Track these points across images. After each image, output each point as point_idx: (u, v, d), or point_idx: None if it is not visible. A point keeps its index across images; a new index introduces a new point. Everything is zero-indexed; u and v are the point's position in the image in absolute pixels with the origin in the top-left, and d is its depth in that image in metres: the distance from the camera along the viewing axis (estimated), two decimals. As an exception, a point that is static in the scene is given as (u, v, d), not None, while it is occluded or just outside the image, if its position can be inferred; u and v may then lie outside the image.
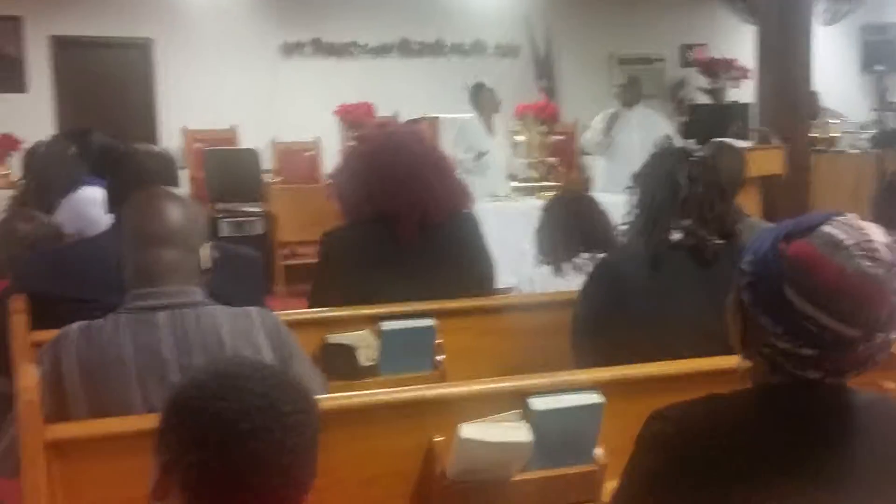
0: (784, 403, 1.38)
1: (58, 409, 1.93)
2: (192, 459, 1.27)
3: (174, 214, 2.06)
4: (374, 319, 2.71)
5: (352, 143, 3.32)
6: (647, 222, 2.49)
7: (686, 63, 11.78)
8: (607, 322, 2.45)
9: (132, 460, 1.79)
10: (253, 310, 2.08)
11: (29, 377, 1.85)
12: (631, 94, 7.69)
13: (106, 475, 1.84)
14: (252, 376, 1.30)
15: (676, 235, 2.46)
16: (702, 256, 2.45)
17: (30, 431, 1.76)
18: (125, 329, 1.96)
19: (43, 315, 2.54)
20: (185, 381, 1.34)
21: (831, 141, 8.65)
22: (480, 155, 7.15)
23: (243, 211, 7.96)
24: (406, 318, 2.72)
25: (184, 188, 3.00)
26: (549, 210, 3.38)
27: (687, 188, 2.47)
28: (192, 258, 2.07)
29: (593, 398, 2.04)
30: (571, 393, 2.04)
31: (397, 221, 2.92)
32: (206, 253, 2.10)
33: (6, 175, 8.74)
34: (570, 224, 3.27)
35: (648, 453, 1.41)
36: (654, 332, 2.37)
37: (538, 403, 1.99)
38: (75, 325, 2.00)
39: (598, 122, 7.81)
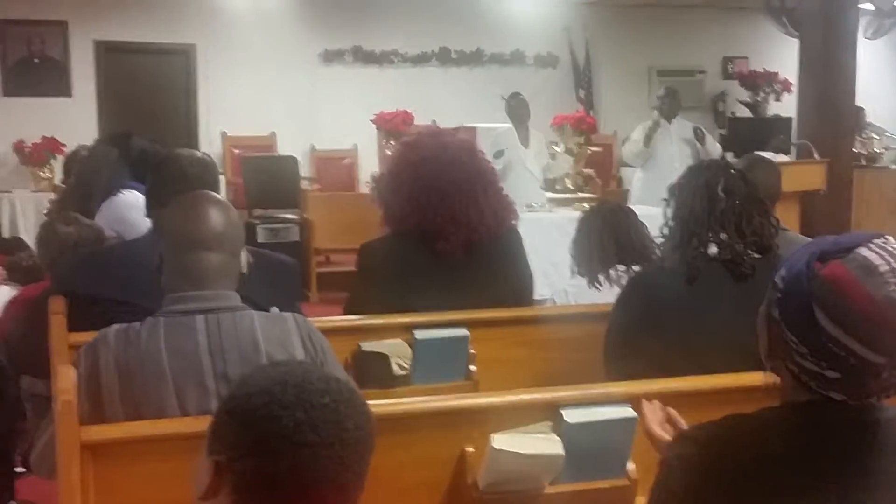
0: (810, 421, 1.36)
1: (94, 410, 1.94)
2: (249, 464, 1.25)
3: (218, 218, 2.07)
4: (408, 328, 2.71)
5: (400, 148, 3.17)
6: (684, 235, 2.47)
7: (727, 75, 11.71)
8: (641, 336, 2.43)
9: (166, 463, 1.81)
10: (288, 315, 2.08)
11: (66, 379, 1.87)
12: (670, 106, 7.65)
13: (140, 477, 1.85)
14: (320, 388, 1.28)
15: (713, 249, 2.44)
16: (739, 271, 2.42)
17: (66, 432, 1.78)
18: (163, 332, 1.97)
19: (81, 317, 2.57)
20: (251, 383, 1.31)
21: (874, 156, 8.55)
22: (499, 153, 7.08)
23: (280, 217, 8.01)
24: (439, 327, 2.72)
25: (222, 194, 3.00)
26: (586, 221, 3.36)
27: (724, 201, 2.45)
28: (234, 263, 2.08)
29: (626, 412, 2.02)
30: (604, 406, 2.03)
31: (441, 238, 2.88)
32: (244, 258, 2.11)
33: (49, 178, 8.88)
34: (607, 236, 3.24)
35: (674, 475, 1.40)
36: (688, 347, 2.35)
37: (570, 415, 1.98)
38: (113, 328, 2.01)
39: (637, 133, 7.78)
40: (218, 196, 2.21)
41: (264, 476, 1.25)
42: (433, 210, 2.87)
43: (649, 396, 2.10)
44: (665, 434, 1.77)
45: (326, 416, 1.26)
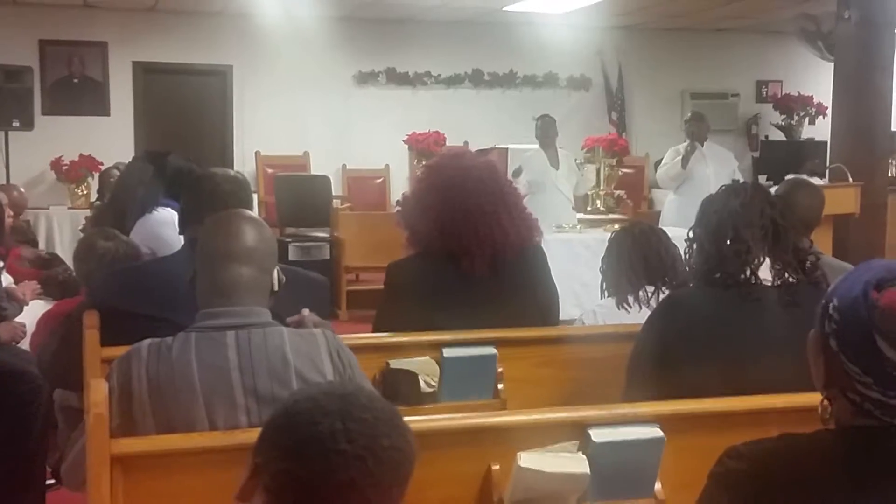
0: (871, 446, 1.33)
1: (125, 423, 1.97)
2: (282, 466, 1.28)
3: (250, 234, 2.10)
4: (437, 346, 2.72)
5: (424, 171, 3.20)
6: (722, 257, 2.39)
7: (761, 99, 11.65)
8: (675, 360, 2.34)
9: (195, 477, 1.83)
10: (318, 332, 2.10)
11: (98, 392, 1.90)
12: (698, 129, 7.63)
13: (169, 491, 1.87)
14: (364, 404, 1.30)
15: (752, 272, 2.39)
16: (778, 295, 2.35)
17: (97, 445, 1.80)
18: (194, 347, 1.99)
19: (114, 331, 2.60)
20: (303, 392, 1.35)
21: (909, 180, 8.47)
22: (517, 171, 7.06)
23: (311, 236, 8.06)
24: (468, 345, 2.72)
25: (255, 212, 3.04)
26: (616, 241, 3.34)
27: (763, 223, 2.38)
28: (265, 279, 2.10)
29: (654, 432, 2.01)
30: (632, 426, 2.02)
31: (467, 256, 2.90)
32: (275, 275, 2.14)
33: (85, 195, 9.00)
34: (636, 256, 3.22)
35: (720, 492, 1.37)
36: (727, 372, 2.27)
37: (597, 435, 1.98)
38: (146, 343, 2.03)
39: (670, 157, 7.74)
40: (252, 214, 2.24)
41: (294, 479, 1.27)
42: (458, 232, 2.89)
43: (678, 417, 2.09)
44: None
45: (364, 430, 1.28)
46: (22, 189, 6.72)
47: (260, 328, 2.02)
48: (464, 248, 2.90)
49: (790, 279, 2.38)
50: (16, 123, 8.85)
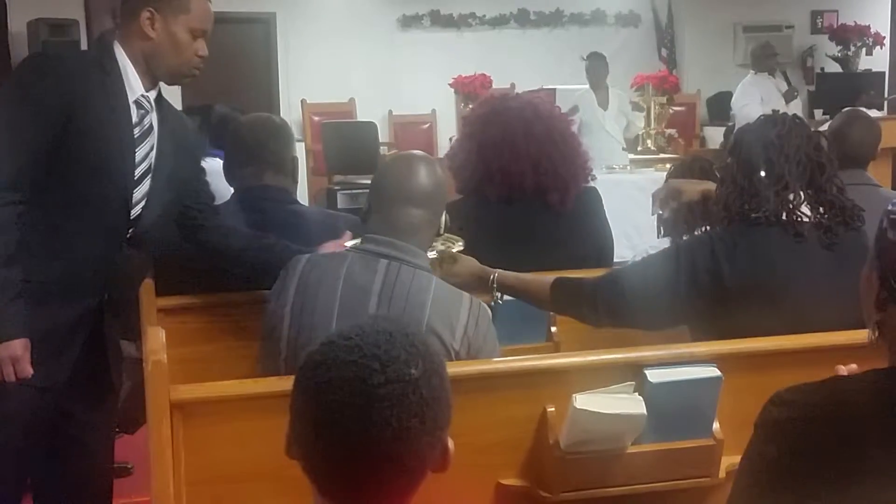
0: None
1: (272, 331, 2.11)
2: (301, 427, 1.22)
3: (430, 178, 2.17)
4: (489, 289, 2.71)
5: (468, 116, 3.24)
6: (755, 194, 2.23)
7: (816, 30, 11.33)
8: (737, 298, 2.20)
9: (254, 422, 1.85)
10: (467, 295, 2.13)
11: (156, 340, 1.91)
12: (773, 62, 7.44)
13: (229, 436, 1.89)
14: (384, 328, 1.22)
15: (792, 209, 2.21)
16: (818, 236, 2.21)
17: (156, 392, 1.82)
18: (347, 263, 2.09)
19: (167, 280, 2.63)
20: (321, 343, 1.25)
21: (971, 110, 8.22)
22: (573, 110, 7.00)
23: (359, 183, 8.04)
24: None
25: (302, 160, 3.06)
26: (673, 178, 3.27)
27: (797, 158, 2.23)
28: (436, 221, 2.19)
29: (711, 371, 1.99)
30: (688, 365, 2.00)
31: (515, 199, 2.91)
32: (443, 219, 2.21)
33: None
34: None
35: (768, 441, 1.34)
36: (764, 314, 2.17)
37: (654, 375, 1.96)
38: (308, 255, 2.19)
39: (747, 95, 7.48)
40: (428, 157, 2.28)
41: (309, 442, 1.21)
42: (502, 174, 2.91)
43: (735, 356, 2.06)
44: None
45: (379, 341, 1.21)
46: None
47: (412, 267, 2.08)
48: (511, 191, 2.90)
49: (830, 221, 2.23)
50: (65, 78, 8.90)
